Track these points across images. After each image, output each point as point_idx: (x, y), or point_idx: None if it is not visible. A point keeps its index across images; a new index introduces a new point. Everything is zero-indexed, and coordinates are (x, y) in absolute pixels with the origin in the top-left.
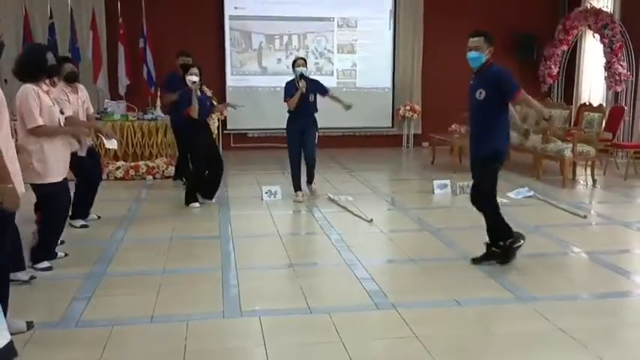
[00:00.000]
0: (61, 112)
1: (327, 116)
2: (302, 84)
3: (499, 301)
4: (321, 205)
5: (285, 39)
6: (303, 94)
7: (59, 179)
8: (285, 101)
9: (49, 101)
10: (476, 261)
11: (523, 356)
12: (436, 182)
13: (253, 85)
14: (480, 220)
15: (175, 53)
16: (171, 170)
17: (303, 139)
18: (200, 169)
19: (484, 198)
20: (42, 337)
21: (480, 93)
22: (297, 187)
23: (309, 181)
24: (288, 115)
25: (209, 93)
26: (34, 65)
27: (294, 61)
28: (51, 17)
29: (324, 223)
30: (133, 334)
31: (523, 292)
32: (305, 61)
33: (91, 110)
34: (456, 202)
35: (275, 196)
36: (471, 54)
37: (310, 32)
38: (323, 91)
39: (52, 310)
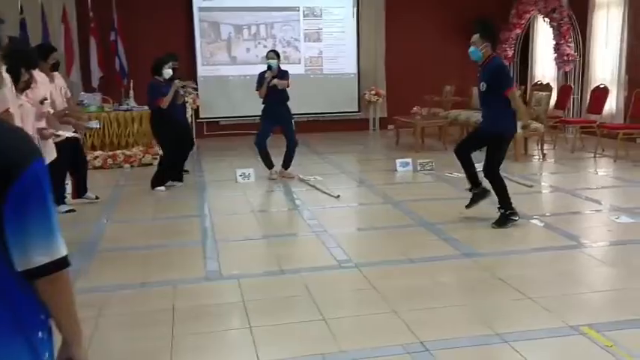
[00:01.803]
0: (41, 103)
1: (296, 102)
2: (267, 75)
3: (447, 258)
4: (292, 185)
5: (254, 29)
6: (270, 84)
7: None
8: (256, 90)
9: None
10: (468, 207)
11: (463, 298)
12: (398, 161)
13: (224, 74)
14: (436, 192)
15: (147, 47)
16: (148, 158)
17: (283, 129)
18: (172, 154)
19: (488, 168)
20: None
21: (483, 85)
22: (269, 165)
23: (286, 166)
24: (263, 105)
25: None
26: None
27: (267, 54)
28: (21, 13)
29: (295, 200)
30: (127, 297)
31: (469, 250)
32: (275, 53)
33: (69, 94)
34: (417, 178)
35: (249, 178)
36: (470, 49)
37: (277, 22)
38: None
39: None
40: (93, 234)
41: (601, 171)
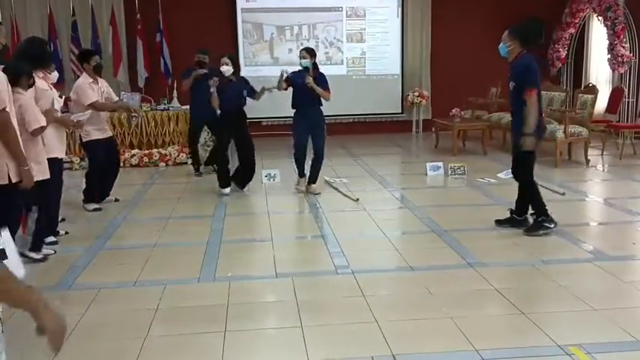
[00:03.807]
0: (60, 97)
1: (338, 103)
2: (308, 80)
3: (449, 267)
4: (316, 187)
5: (296, 29)
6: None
7: (54, 156)
8: (280, 89)
9: (45, 86)
10: (498, 222)
11: (453, 310)
12: (429, 164)
13: (266, 75)
14: (461, 198)
15: (191, 48)
16: (183, 157)
17: (312, 134)
18: (221, 157)
19: (521, 172)
20: None
21: (512, 85)
22: (301, 173)
23: (312, 180)
24: (293, 109)
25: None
26: (32, 56)
27: (300, 52)
28: (73, 15)
29: (313, 203)
30: (116, 295)
31: (474, 259)
32: (308, 51)
33: (115, 98)
34: (447, 183)
35: (274, 179)
36: (499, 45)
37: (320, 22)
38: (324, 87)
39: (50, 277)
40: (105, 232)
41: None
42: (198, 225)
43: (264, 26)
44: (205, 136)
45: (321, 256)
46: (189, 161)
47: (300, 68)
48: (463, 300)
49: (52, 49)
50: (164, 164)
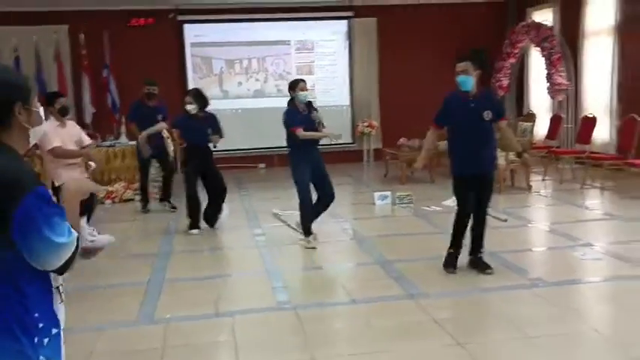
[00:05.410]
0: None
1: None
2: (317, 117)
3: (392, 299)
4: (263, 221)
5: (245, 63)
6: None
7: None
8: (292, 129)
9: None
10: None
11: (390, 343)
12: (376, 194)
13: (215, 108)
14: (407, 227)
15: (139, 83)
16: (129, 194)
17: (318, 169)
18: (190, 194)
19: (485, 209)
20: None
21: (488, 114)
22: (309, 229)
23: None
24: (291, 148)
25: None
26: None
27: (296, 84)
28: (16, 50)
29: (261, 237)
30: None
31: (416, 290)
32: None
33: (87, 141)
34: (394, 212)
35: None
36: (460, 77)
37: (269, 55)
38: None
39: None
40: None
41: (585, 204)
42: (140, 264)
43: (214, 60)
44: (153, 171)
45: (264, 292)
46: (137, 198)
47: (305, 101)
48: (403, 332)
49: None
50: (110, 202)
